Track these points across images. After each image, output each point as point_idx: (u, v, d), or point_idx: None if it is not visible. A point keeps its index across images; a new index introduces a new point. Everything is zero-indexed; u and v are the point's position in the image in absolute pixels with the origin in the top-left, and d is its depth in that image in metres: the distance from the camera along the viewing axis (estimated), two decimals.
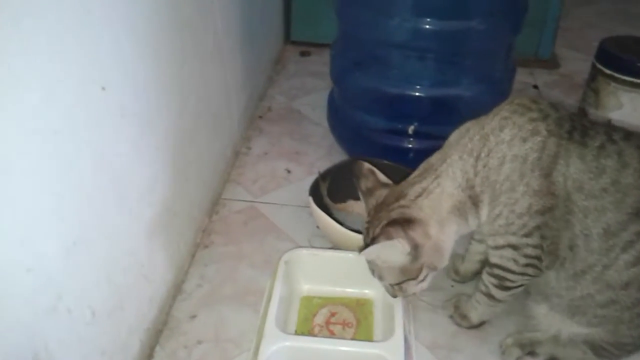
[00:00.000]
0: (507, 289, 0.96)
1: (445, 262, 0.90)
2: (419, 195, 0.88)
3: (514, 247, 0.89)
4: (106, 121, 0.80)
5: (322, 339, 0.98)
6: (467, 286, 1.14)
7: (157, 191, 1.00)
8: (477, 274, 1.11)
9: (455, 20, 1.23)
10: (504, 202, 0.86)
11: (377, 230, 0.87)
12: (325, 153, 1.57)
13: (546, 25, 2.06)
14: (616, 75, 1.46)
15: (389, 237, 0.84)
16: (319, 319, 1.05)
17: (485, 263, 1.01)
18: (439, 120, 1.30)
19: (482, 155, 0.86)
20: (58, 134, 0.68)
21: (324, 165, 1.40)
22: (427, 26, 1.22)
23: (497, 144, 0.86)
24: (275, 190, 1.43)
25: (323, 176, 1.29)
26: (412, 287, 0.91)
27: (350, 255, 1.06)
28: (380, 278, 0.93)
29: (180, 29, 1.07)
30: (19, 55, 0.60)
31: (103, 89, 0.78)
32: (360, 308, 1.07)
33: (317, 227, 1.26)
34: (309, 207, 1.22)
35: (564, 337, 0.98)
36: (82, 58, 0.72)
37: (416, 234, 0.85)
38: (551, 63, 2.14)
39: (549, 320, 0.99)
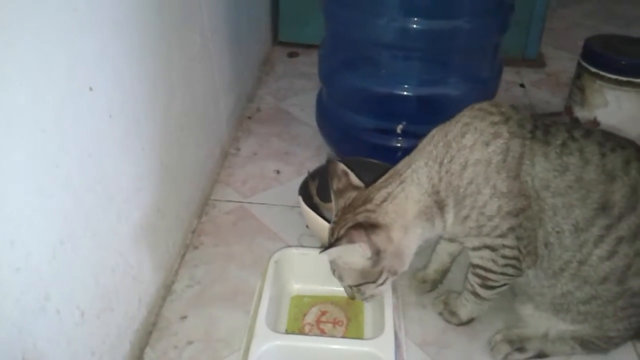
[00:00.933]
0: (491, 287, 0.97)
1: (405, 267, 0.91)
2: (384, 200, 0.88)
3: (491, 248, 0.90)
4: (93, 121, 0.80)
5: (313, 337, 0.98)
6: (456, 283, 1.14)
7: (145, 192, 1.00)
8: (445, 273, 1.14)
9: (442, 20, 1.24)
10: (470, 205, 0.87)
11: (342, 231, 0.87)
12: (314, 153, 1.57)
13: (532, 25, 2.07)
14: (601, 73, 1.48)
15: (351, 240, 0.84)
16: (310, 317, 1.05)
17: (451, 262, 1.09)
18: (427, 119, 1.29)
19: (445, 161, 0.87)
20: (45, 134, 0.68)
21: (313, 165, 1.40)
22: (415, 25, 1.22)
23: (459, 150, 0.86)
24: (264, 191, 1.43)
25: (312, 176, 1.29)
26: (371, 289, 0.91)
27: None
28: (340, 278, 0.94)
29: (166, 29, 1.07)
30: (5, 54, 0.60)
31: (90, 89, 0.78)
32: (350, 306, 1.07)
33: (307, 226, 1.27)
34: (298, 206, 1.22)
35: (553, 334, 0.99)
36: (69, 58, 0.72)
37: (379, 238, 0.85)
38: (537, 62, 2.15)
39: (536, 320, 1.00)
